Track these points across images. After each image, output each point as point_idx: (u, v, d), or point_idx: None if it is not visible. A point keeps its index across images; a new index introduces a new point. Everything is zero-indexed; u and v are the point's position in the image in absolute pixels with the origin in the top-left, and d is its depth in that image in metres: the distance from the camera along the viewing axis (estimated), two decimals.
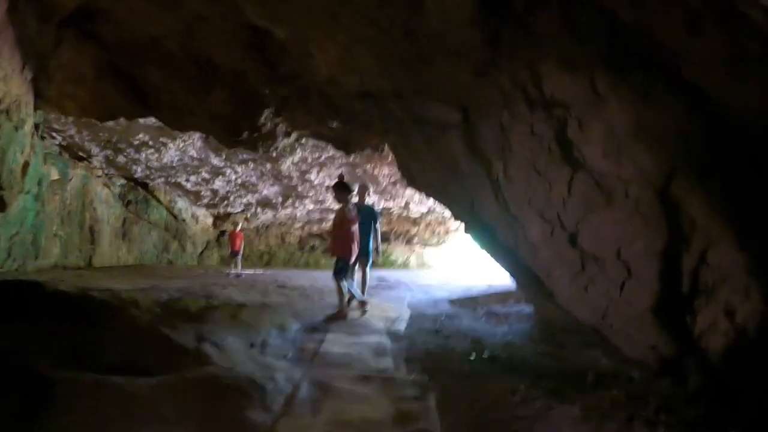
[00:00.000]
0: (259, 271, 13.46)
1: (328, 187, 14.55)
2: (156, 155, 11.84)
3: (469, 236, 6.27)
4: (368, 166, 13.09)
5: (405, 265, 20.94)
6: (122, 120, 10.31)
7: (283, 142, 6.73)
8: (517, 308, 7.75)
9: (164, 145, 11.23)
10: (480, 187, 4.54)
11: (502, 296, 9.34)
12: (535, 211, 3.75)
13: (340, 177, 6.79)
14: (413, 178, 5.94)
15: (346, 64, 3.97)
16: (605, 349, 4.03)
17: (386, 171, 13.47)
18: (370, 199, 15.79)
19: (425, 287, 11.41)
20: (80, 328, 3.44)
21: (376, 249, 7.09)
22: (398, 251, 20.86)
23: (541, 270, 4.58)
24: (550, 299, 5.33)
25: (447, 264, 21.64)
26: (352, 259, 6.46)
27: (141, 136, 10.80)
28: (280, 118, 6.01)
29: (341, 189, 6.43)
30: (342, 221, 6.45)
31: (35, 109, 6.11)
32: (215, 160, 12.33)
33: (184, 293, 5.44)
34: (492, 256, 6.01)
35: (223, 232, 16.92)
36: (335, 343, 4.75)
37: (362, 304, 6.65)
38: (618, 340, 3.83)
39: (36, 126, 11.03)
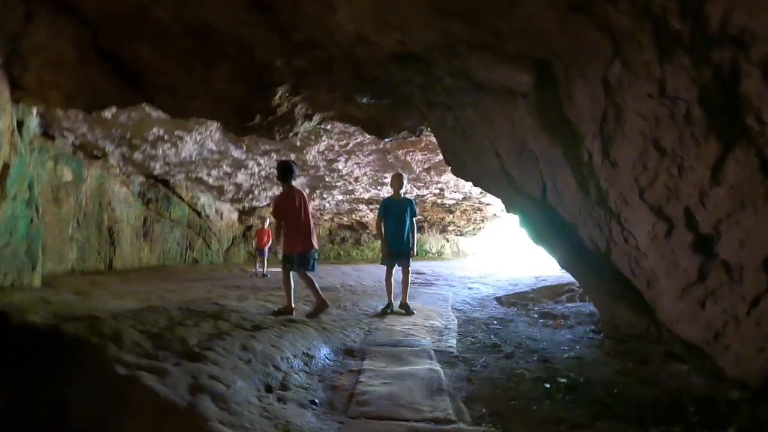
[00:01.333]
0: None
1: (357, 178, 13.59)
2: (173, 150, 11.05)
3: (523, 231, 5.21)
4: (400, 152, 12.06)
5: (439, 255, 19.96)
6: (134, 114, 9.61)
7: (303, 126, 5.72)
8: (573, 306, 6.76)
9: (180, 138, 10.42)
10: (555, 173, 3.50)
11: (552, 291, 8.35)
12: (648, 205, 2.69)
13: (283, 162, 5.75)
14: (462, 164, 4.92)
15: (381, 15, 2.93)
16: (691, 362, 3.50)
17: (419, 157, 12.41)
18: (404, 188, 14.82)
19: (466, 281, 10.43)
20: (31, 381, 2.56)
21: (413, 245, 6.19)
22: (432, 241, 19.85)
23: (640, 278, 3.52)
24: (620, 302, 4.35)
25: (484, 253, 20.53)
26: (302, 252, 5.55)
27: (155, 130, 10.01)
28: (298, 97, 4.99)
29: (283, 170, 5.43)
30: (285, 210, 5.41)
31: (15, 101, 5.28)
32: (236, 153, 11.48)
33: (190, 312, 4.55)
34: (553, 253, 4.96)
35: (249, 227, 16.18)
36: (376, 376, 3.76)
37: (406, 309, 5.98)
38: (725, 360, 3.05)
39: (47, 125, 10.46)
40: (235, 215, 15.73)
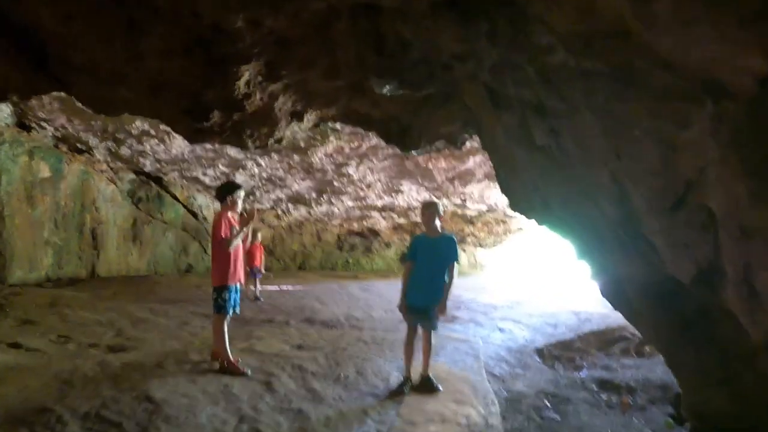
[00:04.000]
0: (286, 288, 11.33)
1: (370, 185, 12.31)
2: (162, 146, 9.88)
3: (585, 266, 3.85)
4: (420, 159, 10.75)
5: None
6: None
7: (290, 130, 4.30)
8: (633, 364, 5.48)
9: (168, 134, 9.22)
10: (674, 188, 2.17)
11: (601, 338, 6.91)
12: None
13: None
14: (543, 206, 3.51)
15: None
16: None
17: (443, 165, 11.09)
18: (419, 194, 13.55)
19: (494, 315, 8.90)
20: None
21: (443, 301, 4.49)
22: None
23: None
24: (721, 387, 3.03)
25: (502, 266, 19.14)
26: (237, 284, 4.67)
27: (138, 124, 8.83)
28: (277, 84, 3.61)
29: (221, 189, 4.73)
30: (216, 234, 4.52)
31: None
32: (232, 151, 10.25)
33: (132, 393, 3.30)
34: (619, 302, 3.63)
35: (252, 232, 14.98)
36: None
37: (429, 386, 4.48)
38: None
39: (22, 114, 9.26)
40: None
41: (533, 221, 4.27)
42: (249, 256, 9.44)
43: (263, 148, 4.53)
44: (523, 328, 8.02)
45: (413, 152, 5.17)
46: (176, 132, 4.54)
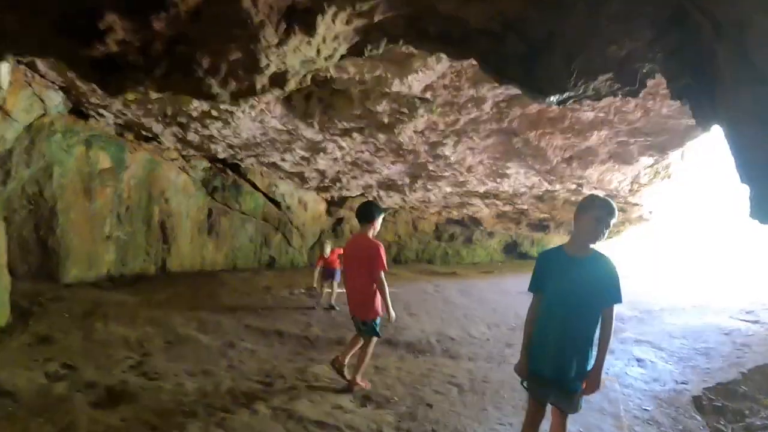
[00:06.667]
0: None
1: (470, 167, 10.31)
2: (228, 129, 8.63)
3: None
4: (531, 135, 8.58)
5: None
6: None
7: (296, 56, 2.34)
8: None
9: (231, 113, 7.91)
10: None
11: None
12: None
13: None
14: None
15: None
16: None
17: (559, 142, 8.82)
18: (527, 179, 11.15)
19: (622, 332, 6.88)
20: None
21: (597, 370, 2.68)
22: (556, 241, 16.01)
23: None
24: None
25: (616, 262, 16.04)
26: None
27: (196, 104, 7.58)
28: None
29: (369, 209, 4.61)
30: (380, 264, 4.22)
31: None
32: (308, 132, 8.76)
33: None
34: None
35: (340, 221, 13.62)
36: None
37: None
38: None
39: (77, 102, 8.30)
40: (322, 206, 13.24)
41: None
42: (325, 262, 7.96)
43: (247, 96, 2.69)
44: (666, 358, 6.05)
45: (553, 100, 3.02)
46: (81, 78, 2.89)
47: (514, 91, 7.03)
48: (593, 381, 2.68)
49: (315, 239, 13.07)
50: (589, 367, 2.67)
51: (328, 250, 8.06)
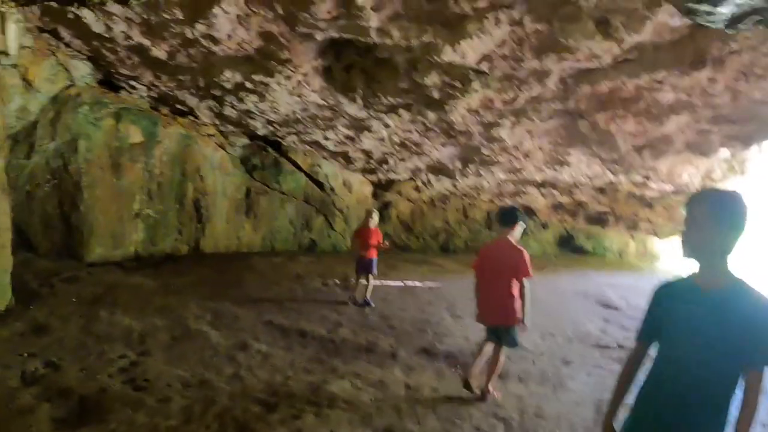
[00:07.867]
0: (412, 284, 8.80)
1: (528, 153, 9.24)
2: (265, 104, 7.98)
3: None
4: (600, 118, 7.43)
5: (620, 256, 14.62)
6: (192, 51, 6.59)
7: None
8: None
9: (266, 86, 7.23)
10: None
11: None
12: None
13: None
14: None
15: None
16: None
17: (631, 127, 7.60)
18: (589, 168, 9.84)
19: None
20: None
21: None
22: (612, 237, 14.60)
23: None
24: None
25: (678, 259, 14.48)
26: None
27: (228, 74, 6.92)
28: None
29: (511, 214, 4.20)
30: (526, 270, 4.04)
31: None
32: (351, 108, 7.97)
33: None
34: None
35: (387, 205, 12.83)
36: None
37: None
38: None
39: (107, 73, 7.73)
40: (368, 189, 12.50)
41: None
42: (362, 242, 7.09)
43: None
44: None
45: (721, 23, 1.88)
46: None
47: (584, 64, 5.96)
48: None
49: (360, 223, 12.37)
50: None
51: (376, 219, 7.14)
